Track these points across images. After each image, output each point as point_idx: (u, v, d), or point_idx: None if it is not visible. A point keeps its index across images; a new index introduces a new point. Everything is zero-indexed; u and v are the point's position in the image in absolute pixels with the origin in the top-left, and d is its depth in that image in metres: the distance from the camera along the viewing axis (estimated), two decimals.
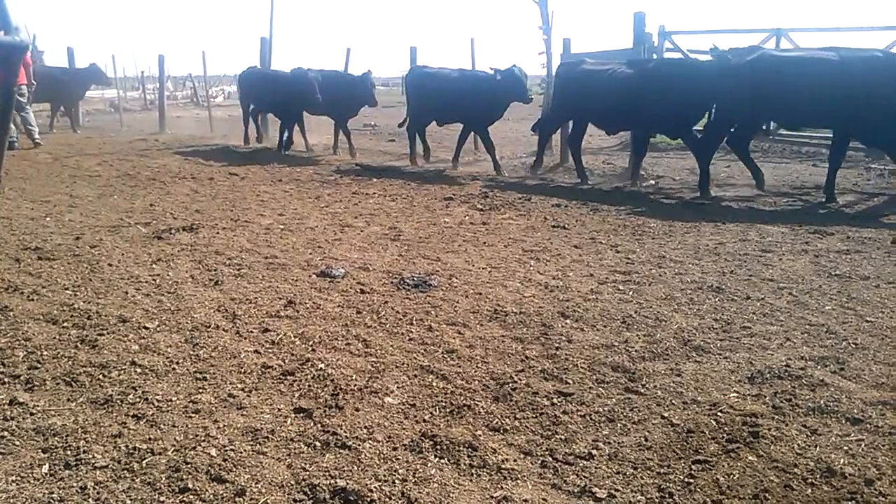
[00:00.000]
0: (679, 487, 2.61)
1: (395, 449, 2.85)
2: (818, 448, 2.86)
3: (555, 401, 3.30)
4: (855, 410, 3.16)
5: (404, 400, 3.29)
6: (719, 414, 3.15)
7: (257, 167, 11.77)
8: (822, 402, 3.24)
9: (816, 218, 7.62)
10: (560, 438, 2.97)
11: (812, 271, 5.49)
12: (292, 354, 3.80)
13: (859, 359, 3.75)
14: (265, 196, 8.96)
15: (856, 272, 5.43)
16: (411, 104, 12.44)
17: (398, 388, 3.42)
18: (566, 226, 7.30)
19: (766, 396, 3.32)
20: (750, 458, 2.79)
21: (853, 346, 3.94)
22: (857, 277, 5.29)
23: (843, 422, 3.08)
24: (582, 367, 3.67)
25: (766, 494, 2.55)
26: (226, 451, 2.78)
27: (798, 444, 2.88)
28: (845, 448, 2.86)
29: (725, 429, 3.02)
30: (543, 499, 2.54)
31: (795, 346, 3.96)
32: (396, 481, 2.62)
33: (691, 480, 2.65)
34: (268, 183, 10.10)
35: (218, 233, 6.72)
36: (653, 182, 10.35)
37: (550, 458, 2.80)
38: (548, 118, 11.66)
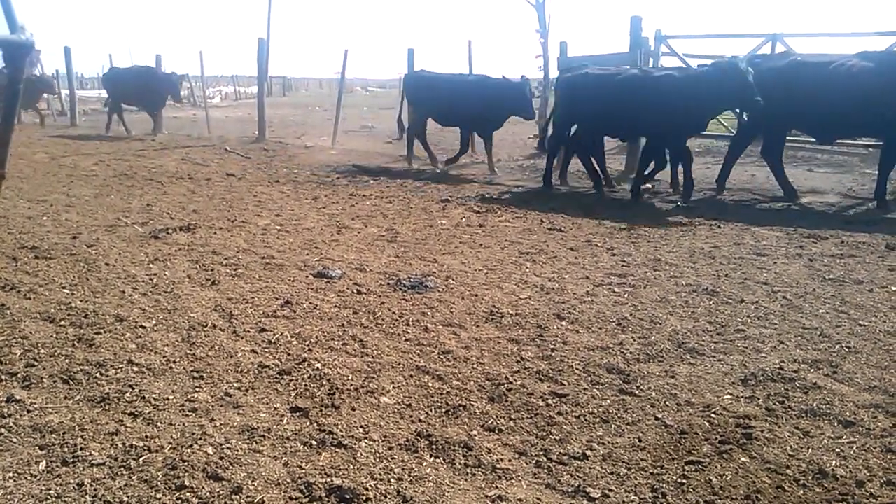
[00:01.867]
0: (672, 488, 2.63)
1: (390, 448, 2.87)
2: (810, 450, 2.89)
3: (550, 402, 3.32)
4: (847, 413, 3.19)
5: (400, 400, 3.31)
6: (713, 416, 3.18)
7: (254, 168, 11.78)
8: (814, 404, 3.27)
9: (811, 222, 7.66)
10: (554, 439, 2.99)
11: (806, 275, 5.52)
12: (289, 354, 3.81)
13: (852, 362, 3.78)
14: (262, 197, 8.97)
15: (849, 276, 5.46)
16: (562, 113, 10.35)
17: (394, 388, 3.44)
18: (562, 228, 7.32)
19: (759, 399, 3.35)
20: (743, 459, 2.81)
21: (846, 349, 3.96)
22: (850, 282, 5.32)
23: (836, 424, 3.11)
24: (577, 369, 3.70)
25: (759, 495, 2.57)
26: (222, 449, 2.79)
27: (790, 446, 2.91)
28: (837, 450, 2.88)
29: (719, 430, 3.04)
30: (538, 498, 2.56)
31: (789, 349, 3.99)
32: (392, 480, 2.63)
33: (684, 481, 2.67)
34: (265, 184, 10.11)
35: (215, 233, 6.73)
36: (648, 185, 10.37)
37: (545, 458, 2.82)
38: (748, 127, 9.45)
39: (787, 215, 8.16)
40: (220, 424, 3.00)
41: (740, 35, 13.90)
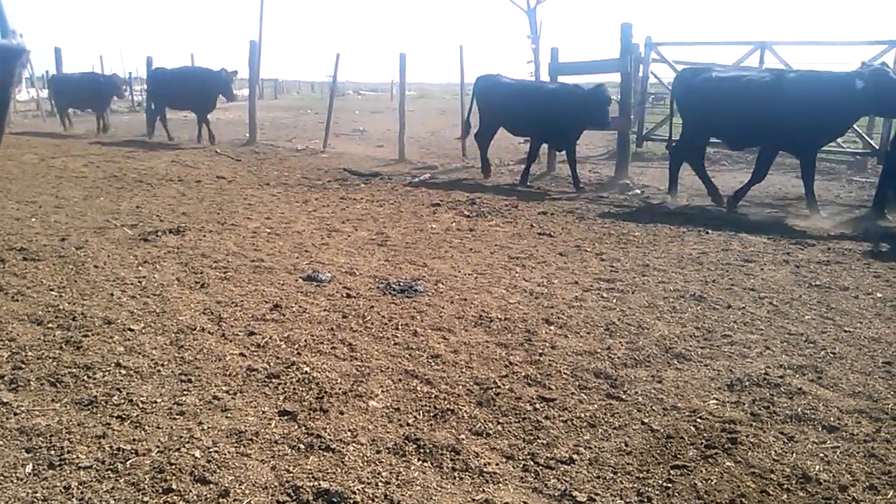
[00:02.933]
0: (658, 492, 2.65)
1: (378, 452, 2.88)
2: (794, 455, 2.92)
3: (537, 406, 3.34)
4: (831, 418, 3.22)
5: (388, 404, 3.32)
6: (698, 420, 3.20)
7: (245, 171, 11.76)
8: (799, 409, 3.30)
9: (798, 229, 7.72)
10: (542, 443, 3.00)
11: (792, 281, 5.57)
12: (277, 357, 3.81)
13: (837, 368, 3.82)
14: (252, 200, 8.96)
15: (835, 283, 5.51)
16: (686, 119, 9.48)
17: (383, 391, 3.44)
18: (552, 233, 7.35)
19: (744, 404, 3.38)
20: (728, 463, 2.84)
21: (831, 355, 4.00)
22: (836, 288, 5.37)
23: (820, 429, 3.14)
24: (565, 373, 3.72)
25: (743, 499, 2.60)
26: (210, 452, 2.79)
27: (775, 451, 2.94)
28: (821, 455, 2.92)
29: (704, 435, 3.07)
30: (524, 502, 2.58)
31: (775, 354, 4.03)
32: (380, 483, 2.64)
33: (670, 485, 2.69)
34: (255, 187, 10.10)
35: (204, 236, 6.72)
36: (638, 191, 10.44)
37: (532, 462, 2.84)
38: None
39: (774, 221, 8.22)
40: (208, 428, 3.00)
41: (730, 42, 13.99)
